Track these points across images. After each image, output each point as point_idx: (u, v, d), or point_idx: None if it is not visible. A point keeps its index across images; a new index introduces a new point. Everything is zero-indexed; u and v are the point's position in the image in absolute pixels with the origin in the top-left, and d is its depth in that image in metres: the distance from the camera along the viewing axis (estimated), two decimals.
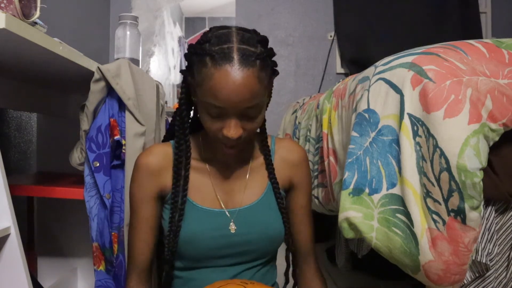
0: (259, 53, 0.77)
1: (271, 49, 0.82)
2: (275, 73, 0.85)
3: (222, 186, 0.91)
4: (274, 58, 0.83)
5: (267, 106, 0.88)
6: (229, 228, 0.88)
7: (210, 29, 0.82)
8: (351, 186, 0.93)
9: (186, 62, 0.83)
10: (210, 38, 0.78)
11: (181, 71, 0.85)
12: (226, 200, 0.91)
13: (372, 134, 0.92)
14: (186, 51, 0.82)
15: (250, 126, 0.81)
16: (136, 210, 0.90)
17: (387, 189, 0.88)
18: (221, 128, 0.79)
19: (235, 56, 0.74)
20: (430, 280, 0.80)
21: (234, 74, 0.74)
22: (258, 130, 0.92)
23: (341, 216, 0.93)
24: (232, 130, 0.78)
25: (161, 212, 0.92)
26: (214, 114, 0.78)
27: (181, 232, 0.86)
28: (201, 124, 0.84)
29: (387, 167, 0.88)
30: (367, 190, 0.90)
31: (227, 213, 0.89)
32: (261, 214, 0.91)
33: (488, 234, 0.81)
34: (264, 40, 0.81)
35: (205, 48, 0.76)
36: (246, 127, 0.80)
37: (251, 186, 0.93)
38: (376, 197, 0.89)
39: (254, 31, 0.82)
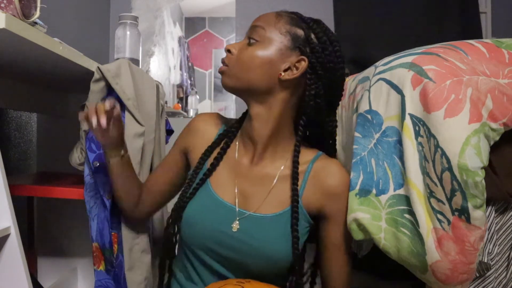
0: (299, 16, 0.90)
1: (321, 46, 0.86)
2: (309, 52, 0.86)
3: (243, 185, 0.89)
4: None
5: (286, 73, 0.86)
6: (232, 225, 0.85)
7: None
8: (357, 187, 0.91)
9: None
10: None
11: None
12: (242, 200, 0.87)
13: (376, 136, 0.91)
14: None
15: (241, 52, 0.85)
16: (165, 157, 1.02)
17: (394, 190, 0.87)
18: None
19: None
20: (438, 280, 0.80)
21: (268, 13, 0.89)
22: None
23: (349, 217, 0.90)
24: (230, 44, 0.88)
25: (182, 170, 0.99)
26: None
27: (186, 210, 0.88)
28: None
29: (393, 168, 0.87)
30: (374, 191, 0.89)
31: (236, 210, 0.86)
32: (272, 230, 0.85)
33: (488, 234, 0.81)
34: (321, 40, 0.87)
35: None
36: (240, 51, 0.86)
37: (274, 196, 0.87)
38: (384, 198, 0.87)
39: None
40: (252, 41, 0.85)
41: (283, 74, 0.85)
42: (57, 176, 1.43)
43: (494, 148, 0.78)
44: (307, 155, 0.91)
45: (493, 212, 0.83)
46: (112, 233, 1.08)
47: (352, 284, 0.94)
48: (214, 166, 0.90)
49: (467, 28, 2.67)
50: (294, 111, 0.90)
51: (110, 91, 1.08)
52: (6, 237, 0.77)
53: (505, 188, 0.81)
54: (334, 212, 0.88)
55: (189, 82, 3.65)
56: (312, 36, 0.86)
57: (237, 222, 0.85)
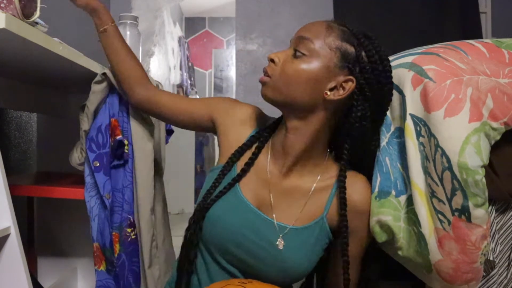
0: (350, 30, 0.83)
1: (371, 62, 0.81)
2: (354, 70, 0.80)
3: (276, 197, 0.87)
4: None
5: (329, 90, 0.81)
6: (276, 242, 0.83)
7: None
8: (376, 190, 0.88)
9: None
10: None
11: None
12: (277, 211, 0.86)
13: (388, 135, 0.90)
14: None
15: (285, 65, 0.81)
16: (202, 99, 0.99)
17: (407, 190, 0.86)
18: None
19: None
20: (443, 279, 0.80)
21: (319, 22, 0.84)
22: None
23: (372, 221, 0.88)
24: (274, 53, 0.83)
25: (200, 120, 0.96)
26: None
27: (211, 210, 0.84)
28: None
29: (406, 169, 0.86)
30: (393, 192, 0.87)
31: (276, 226, 0.84)
32: (298, 243, 0.84)
33: (490, 233, 0.81)
34: (363, 46, 0.83)
35: None
36: (284, 63, 0.81)
37: (305, 212, 0.86)
38: (403, 198, 0.86)
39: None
40: (298, 53, 0.80)
41: (328, 93, 0.80)
42: (57, 176, 1.43)
43: (495, 148, 0.78)
44: (334, 169, 0.89)
45: (494, 212, 0.83)
46: (113, 233, 1.08)
47: None
48: (245, 171, 0.86)
49: (467, 28, 2.67)
50: (332, 129, 0.87)
51: (110, 91, 1.08)
52: (6, 237, 0.77)
53: (506, 188, 0.81)
54: (355, 227, 0.86)
55: (189, 82, 3.65)
56: (363, 54, 0.80)
57: (281, 239, 0.84)
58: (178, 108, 0.97)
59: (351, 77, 0.80)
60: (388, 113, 0.90)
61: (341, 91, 0.81)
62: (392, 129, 0.89)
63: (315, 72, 0.79)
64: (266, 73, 0.82)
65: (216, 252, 0.86)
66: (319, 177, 0.88)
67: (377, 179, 0.88)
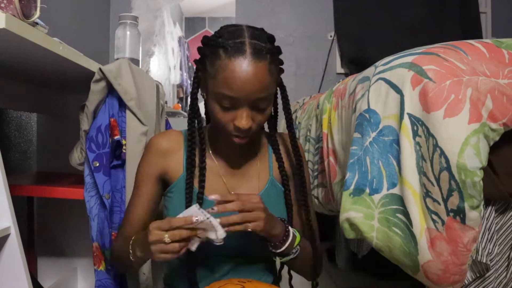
0: (269, 48, 0.81)
1: (278, 47, 0.85)
2: (281, 70, 0.88)
3: (231, 179, 0.92)
4: None
5: (274, 101, 0.90)
6: None
7: (221, 27, 0.86)
8: (352, 187, 0.93)
9: (199, 56, 0.86)
10: (222, 33, 0.82)
11: (195, 61, 0.88)
12: (236, 192, 0.90)
13: (373, 134, 0.92)
14: (200, 44, 0.85)
15: (259, 118, 0.83)
16: (138, 186, 0.94)
17: (388, 189, 0.88)
18: (233, 119, 0.82)
19: (248, 49, 0.79)
20: (430, 280, 0.80)
21: (247, 65, 0.78)
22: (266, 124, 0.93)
23: (342, 217, 0.93)
24: (244, 120, 0.81)
25: (160, 196, 0.94)
26: (226, 105, 0.81)
27: None
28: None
29: (388, 167, 0.88)
30: (367, 190, 0.90)
31: None
32: (273, 201, 0.90)
33: (488, 234, 0.81)
34: (272, 38, 0.85)
35: (219, 41, 0.80)
36: (256, 118, 0.83)
37: (258, 179, 0.94)
38: (377, 197, 0.88)
39: (262, 29, 0.86)
40: (262, 108, 0.83)
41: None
42: (57, 176, 1.43)
43: (494, 148, 0.78)
44: (264, 137, 0.99)
45: (493, 212, 0.83)
46: (112, 233, 1.08)
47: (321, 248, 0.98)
48: (203, 186, 0.88)
49: (467, 28, 2.67)
50: None
51: (110, 91, 1.08)
52: (6, 237, 0.77)
53: (505, 188, 0.81)
54: (290, 172, 0.96)
55: (189, 82, 3.64)
56: (277, 51, 0.85)
57: None
58: (147, 214, 0.94)
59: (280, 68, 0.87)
60: (379, 111, 0.91)
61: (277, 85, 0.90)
62: (380, 127, 0.90)
63: (272, 104, 0.87)
64: (245, 136, 0.84)
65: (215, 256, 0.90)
66: (257, 148, 0.97)
67: (355, 177, 0.93)
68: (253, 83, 0.78)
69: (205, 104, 0.91)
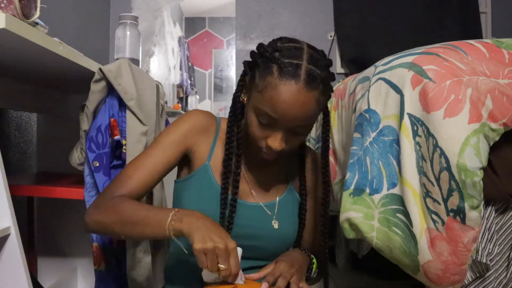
0: (324, 77, 0.78)
1: (333, 74, 0.82)
2: (329, 97, 0.86)
3: (253, 184, 0.93)
4: None
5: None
6: (272, 224, 0.90)
7: (280, 38, 0.84)
8: (352, 187, 0.93)
9: (251, 60, 0.84)
10: (281, 48, 0.79)
11: (244, 63, 0.85)
12: (260, 195, 0.92)
13: (373, 134, 0.92)
14: (255, 50, 0.83)
15: (294, 142, 0.82)
16: (158, 147, 0.86)
17: (388, 189, 0.88)
18: (266, 137, 0.81)
19: (302, 75, 0.75)
20: (430, 280, 0.80)
21: (298, 92, 0.75)
22: None
23: (342, 217, 0.93)
24: (278, 143, 0.79)
25: (173, 166, 0.89)
26: (264, 122, 0.79)
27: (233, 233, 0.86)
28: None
29: (387, 167, 0.88)
30: (367, 190, 0.90)
31: (264, 207, 0.90)
32: (285, 214, 0.93)
33: (488, 234, 0.81)
34: (329, 64, 0.81)
35: (275, 56, 0.77)
36: (290, 142, 0.81)
37: (275, 185, 0.94)
38: (377, 197, 0.89)
39: (323, 53, 0.83)
40: (299, 133, 0.82)
41: None
42: (57, 176, 1.43)
43: (494, 148, 0.78)
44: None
45: (493, 212, 0.83)
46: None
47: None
48: (236, 193, 0.87)
49: (467, 28, 2.67)
50: None
51: (110, 91, 1.08)
52: (6, 237, 0.77)
53: (505, 188, 0.81)
54: (311, 187, 0.97)
55: (189, 82, 3.65)
56: (330, 80, 0.82)
57: (274, 220, 0.90)
58: (160, 174, 0.88)
59: (329, 96, 0.86)
60: (379, 111, 0.91)
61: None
62: (380, 127, 0.90)
63: (310, 132, 0.86)
64: (275, 155, 0.83)
65: None
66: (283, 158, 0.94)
67: (355, 178, 0.93)
68: (298, 111, 0.76)
69: (245, 108, 0.87)
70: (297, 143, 0.84)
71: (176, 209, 0.76)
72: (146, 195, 0.93)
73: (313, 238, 1.00)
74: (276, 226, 0.90)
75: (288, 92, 0.75)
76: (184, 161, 0.93)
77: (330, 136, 1.29)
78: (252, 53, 0.83)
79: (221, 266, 0.69)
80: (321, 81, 0.77)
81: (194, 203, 0.87)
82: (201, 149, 0.90)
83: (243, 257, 0.90)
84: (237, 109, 0.87)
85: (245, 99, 0.85)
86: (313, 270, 0.93)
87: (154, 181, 0.86)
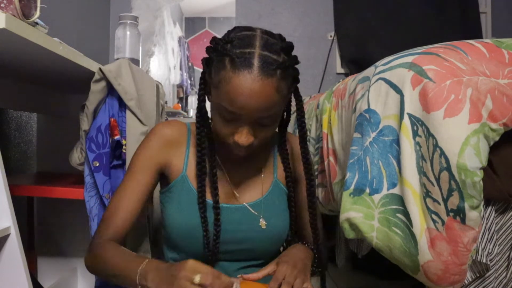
0: (281, 62, 0.73)
1: (295, 57, 0.78)
2: (296, 81, 0.82)
3: (237, 182, 0.91)
4: None
5: (285, 113, 0.88)
6: (260, 224, 0.88)
7: (234, 28, 0.79)
8: (352, 187, 0.93)
9: (207, 56, 0.80)
10: (233, 39, 0.75)
11: (203, 60, 0.81)
12: (243, 196, 0.90)
13: (373, 134, 0.92)
14: (209, 44, 0.79)
15: (262, 134, 0.79)
16: (134, 173, 0.86)
17: (388, 189, 0.88)
18: (233, 133, 0.77)
19: (256, 63, 0.71)
20: (430, 280, 0.80)
21: (252, 82, 0.71)
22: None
23: (342, 217, 0.93)
24: (244, 137, 0.76)
25: (154, 189, 0.89)
26: (227, 118, 0.76)
27: (179, 224, 0.85)
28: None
29: (387, 167, 0.88)
30: (367, 190, 0.90)
31: (249, 207, 0.88)
32: (276, 205, 0.91)
33: (488, 234, 0.81)
34: (288, 47, 0.77)
35: (226, 49, 0.74)
36: (258, 135, 0.78)
37: (265, 179, 0.92)
38: (377, 197, 0.89)
39: (280, 37, 0.79)
40: (265, 124, 0.78)
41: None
42: (57, 176, 1.43)
43: (494, 148, 0.78)
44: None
45: (493, 212, 0.83)
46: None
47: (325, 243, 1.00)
48: (217, 194, 0.85)
49: (467, 28, 2.67)
50: None
51: (110, 91, 1.08)
52: (6, 237, 0.77)
53: (505, 188, 0.81)
54: (300, 173, 0.93)
55: (189, 82, 3.64)
56: (292, 63, 0.78)
57: (262, 219, 0.88)
58: (138, 206, 0.87)
59: (294, 81, 0.81)
60: (379, 111, 0.91)
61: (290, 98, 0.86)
62: (380, 127, 0.90)
63: (279, 118, 0.83)
64: (246, 151, 0.80)
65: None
66: (264, 149, 0.93)
67: (355, 178, 0.92)
68: (257, 101, 0.72)
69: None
70: (268, 135, 0.80)
71: (145, 262, 0.73)
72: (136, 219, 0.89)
73: (305, 230, 0.98)
74: (263, 226, 0.88)
75: (242, 84, 0.71)
76: (163, 175, 0.90)
77: (330, 136, 1.28)
78: (207, 48, 0.78)
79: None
80: (278, 67, 0.72)
81: (178, 216, 0.86)
82: (175, 161, 0.88)
83: (234, 260, 0.89)
84: (202, 109, 0.85)
85: (209, 97, 0.83)
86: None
87: (137, 211, 0.85)
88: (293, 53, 0.80)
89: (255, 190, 0.91)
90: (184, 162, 0.88)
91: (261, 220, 0.88)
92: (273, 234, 0.90)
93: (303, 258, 0.85)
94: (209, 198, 0.87)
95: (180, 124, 0.92)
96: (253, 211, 0.89)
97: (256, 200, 0.90)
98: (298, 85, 0.85)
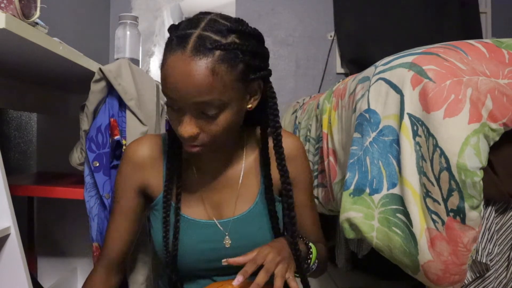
0: (223, 43, 0.66)
1: (253, 43, 0.70)
2: (257, 73, 0.72)
3: (211, 195, 0.85)
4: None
5: (248, 110, 0.77)
6: (224, 242, 0.83)
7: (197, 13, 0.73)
8: (352, 187, 0.93)
9: None
10: (183, 22, 0.70)
11: None
12: (216, 210, 0.85)
13: (373, 134, 0.92)
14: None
15: (208, 128, 0.70)
16: (117, 200, 0.87)
17: (388, 189, 0.88)
18: (179, 124, 0.71)
19: (191, 42, 0.65)
20: (430, 280, 0.80)
21: (183, 61, 0.65)
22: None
23: (342, 217, 0.93)
24: (183, 126, 0.69)
25: (143, 208, 0.88)
26: (170, 107, 0.71)
27: (179, 253, 0.83)
28: None
29: (388, 167, 0.88)
30: (367, 190, 0.90)
31: (218, 225, 0.83)
32: (255, 223, 0.84)
33: (488, 234, 0.81)
34: (242, 31, 0.69)
35: (171, 30, 0.70)
36: (204, 127, 0.70)
37: (243, 193, 0.85)
38: (377, 197, 0.88)
39: (237, 21, 0.71)
40: (211, 114, 0.69)
41: (250, 106, 0.76)
42: (57, 176, 1.43)
43: (494, 148, 0.78)
44: (254, 142, 0.88)
45: (493, 212, 0.83)
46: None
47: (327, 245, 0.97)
48: (179, 200, 0.83)
49: (467, 28, 2.67)
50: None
51: (110, 91, 1.08)
52: (6, 237, 0.77)
53: (505, 188, 0.81)
54: (295, 175, 0.86)
55: None
56: (246, 48, 0.69)
57: (227, 236, 0.83)
58: (129, 232, 0.88)
59: (258, 81, 0.74)
60: (379, 111, 0.91)
61: (257, 95, 0.77)
62: (380, 127, 0.90)
63: (236, 113, 0.72)
64: (194, 145, 0.73)
65: (195, 272, 0.87)
66: (244, 155, 0.86)
67: (355, 178, 0.92)
68: (186, 83, 0.65)
69: None
70: (217, 129, 0.70)
71: None
72: (134, 242, 0.91)
73: (316, 233, 0.93)
74: (227, 245, 0.83)
75: (174, 64, 0.65)
76: (149, 198, 0.88)
77: (330, 136, 1.29)
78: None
79: None
80: (216, 47, 0.65)
81: (164, 235, 0.84)
82: (152, 181, 0.85)
83: (225, 274, 0.85)
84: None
85: None
86: (312, 260, 0.83)
87: (131, 230, 0.87)
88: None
89: (237, 205, 0.85)
90: (163, 179, 0.85)
91: (226, 238, 0.83)
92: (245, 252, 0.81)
93: (288, 249, 0.77)
94: (185, 213, 0.84)
95: (153, 138, 0.87)
96: (220, 228, 0.84)
97: (230, 217, 0.84)
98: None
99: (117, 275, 0.91)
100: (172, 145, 0.83)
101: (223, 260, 0.74)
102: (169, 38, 0.69)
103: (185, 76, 0.65)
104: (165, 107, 1.41)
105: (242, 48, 0.68)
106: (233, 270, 0.83)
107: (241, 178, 0.86)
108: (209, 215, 0.85)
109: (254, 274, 0.87)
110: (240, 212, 0.85)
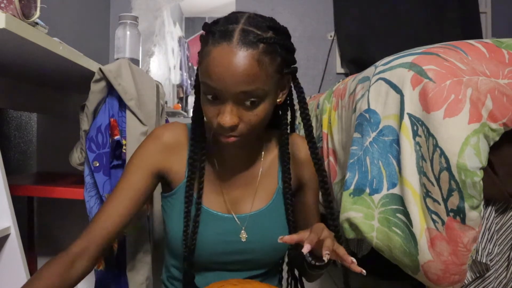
0: (265, 37, 0.71)
1: (287, 39, 0.76)
2: (290, 67, 0.77)
3: (230, 190, 0.87)
4: None
5: (279, 102, 0.80)
6: (240, 236, 0.84)
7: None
8: (352, 187, 0.93)
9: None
10: (220, 19, 0.74)
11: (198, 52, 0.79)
12: (234, 205, 0.86)
13: (373, 134, 0.92)
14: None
15: (248, 117, 0.73)
16: (126, 176, 0.83)
17: (388, 189, 0.88)
18: (217, 115, 0.73)
19: (236, 36, 0.69)
20: (430, 280, 0.80)
21: (230, 52, 0.68)
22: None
23: (342, 217, 0.93)
24: (225, 116, 0.71)
25: (150, 194, 0.86)
26: (210, 96, 0.72)
27: (198, 245, 0.82)
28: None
29: (388, 167, 0.88)
30: (367, 190, 0.90)
31: (236, 219, 0.85)
32: (271, 220, 0.86)
33: (488, 234, 0.81)
34: (278, 29, 0.74)
35: (210, 27, 0.73)
36: (243, 117, 0.73)
37: (261, 191, 0.87)
38: (377, 197, 0.88)
39: (271, 19, 0.76)
40: (252, 103, 0.72)
41: (279, 100, 0.80)
42: (57, 176, 1.43)
43: (494, 148, 0.78)
44: (274, 140, 0.91)
45: (493, 212, 0.83)
46: None
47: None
48: (202, 193, 0.83)
49: (467, 28, 2.67)
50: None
51: (110, 91, 1.08)
52: (6, 237, 0.77)
53: (505, 188, 0.81)
54: (308, 178, 0.90)
55: (189, 82, 3.64)
56: (283, 44, 0.74)
57: (243, 230, 0.85)
58: (129, 209, 0.82)
59: (289, 76, 0.79)
60: (379, 111, 0.91)
61: (285, 89, 0.81)
62: (380, 127, 0.90)
63: (271, 105, 0.76)
64: (231, 135, 0.74)
65: (207, 265, 0.87)
66: (263, 154, 0.89)
67: (355, 178, 0.92)
68: (233, 73, 0.68)
69: None
70: (255, 119, 0.73)
71: None
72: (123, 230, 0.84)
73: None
74: (243, 239, 0.84)
75: (220, 55, 0.68)
76: (165, 180, 0.87)
77: (330, 136, 1.29)
78: (200, 36, 0.76)
79: None
80: (259, 40, 0.69)
81: (178, 220, 0.84)
82: (176, 168, 0.85)
83: (236, 270, 0.86)
84: (198, 101, 0.81)
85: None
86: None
87: (130, 211, 0.82)
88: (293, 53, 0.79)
89: (255, 200, 0.87)
90: (186, 167, 0.85)
91: (242, 232, 0.84)
92: (256, 254, 0.85)
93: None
94: (205, 205, 0.85)
95: (181, 126, 0.88)
96: (238, 222, 0.85)
97: (247, 212, 0.86)
98: None
99: (88, 261, 0.85)
100: (196, 137, 0.84)
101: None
102: (207, 34, 0.73)
103: (233, 66, 0.68)
104: (165, 107, 1.42)
105: (280, 43, 0.73)
106: (244, 265, 0.87)
107: (259, 176, 0.88)
108: (228, 209, 0.86)
109: (254, 276, 0.88)
110: (257, 208, 0.87)
